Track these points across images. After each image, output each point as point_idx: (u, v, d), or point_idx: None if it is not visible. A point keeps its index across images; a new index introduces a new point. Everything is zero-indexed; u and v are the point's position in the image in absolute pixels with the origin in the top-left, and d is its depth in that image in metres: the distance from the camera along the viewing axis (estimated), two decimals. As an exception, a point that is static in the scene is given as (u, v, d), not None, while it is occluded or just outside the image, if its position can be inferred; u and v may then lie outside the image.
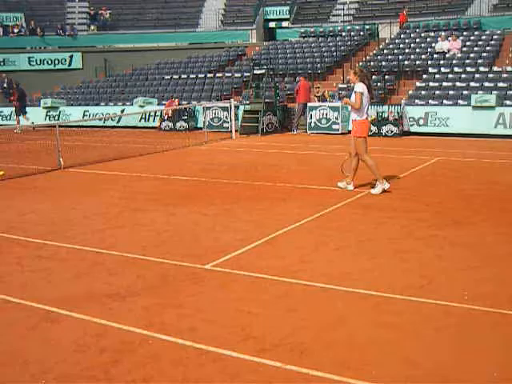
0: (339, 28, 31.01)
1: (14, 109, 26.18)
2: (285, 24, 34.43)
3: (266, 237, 7.82)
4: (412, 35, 27.87)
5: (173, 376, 4.35)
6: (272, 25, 34.91)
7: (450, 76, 22.33)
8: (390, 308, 5.51)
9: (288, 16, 34.36)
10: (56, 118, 26.73)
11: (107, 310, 5.58)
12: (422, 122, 20.06)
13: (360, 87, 10.38)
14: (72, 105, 28.11)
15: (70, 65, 33.11)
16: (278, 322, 5.22)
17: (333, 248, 7.43)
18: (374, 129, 19.84)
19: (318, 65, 26.44)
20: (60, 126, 15.73)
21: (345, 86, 23.51)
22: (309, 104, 21.24)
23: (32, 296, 5.94)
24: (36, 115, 26.57)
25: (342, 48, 27.92)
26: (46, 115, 27.35)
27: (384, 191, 10.34)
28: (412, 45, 26.60)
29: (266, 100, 21.87)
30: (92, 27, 35.03)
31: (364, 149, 10.45)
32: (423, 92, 21.57)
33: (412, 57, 24.99)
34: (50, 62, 33.02)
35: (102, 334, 5.10)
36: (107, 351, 4.75)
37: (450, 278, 6.20)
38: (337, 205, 9.58)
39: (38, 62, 32.96)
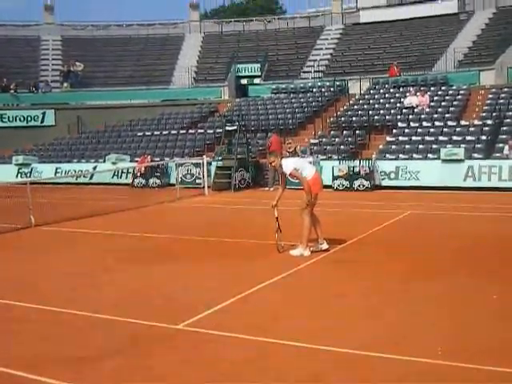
0: (310, 84, 31.51)
1: None
2: (256, 81, 34.92)
3: (239, 295, 7.75)
4: (381, 91, 28.43)
5: None
6: (244, 81, 35.38)
7: (419, 130, 22.75)
8: (365, 365, 5.47)
9: (259, 73, 34.89)
10: (28, 175, 26.57)
11: (76, 373, 5.45)
12: (392, 175, 20.31)
13: (288, 166, 10.28)
14: (44, 162, 27.97)
15: (42, 121, 33.05)
16: None
17: (305, 305, 7.39)
18: (345, 183, 20.05)
19: (290, 120, 26.76)
20: (31, 183, 15.64)
21: (316, 141, 23.79)
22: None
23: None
24: (8, 172, 26.42)
25: (313, 104, 28.35)
26: (18, 172, 27.21)
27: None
28: (381, 100, 27.13)
29: (239, 156, 22.01)
30: (65, 84, 35.13)
31: (308, 206, 10.17)
32: (393, 146, 21.91)
33: (382, 112, 25.46)
34: (22, 119, 32.96)
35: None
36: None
37: (423, 334, 6.19)
38: (310, 261, 9.57)
39: (11, 119, 32.90)
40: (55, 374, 5.41)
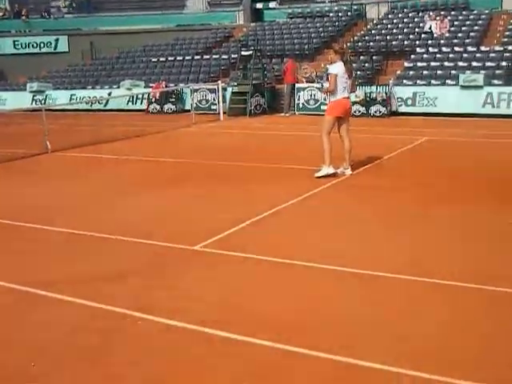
0: (326, 8, 30.83)
1: None
2: (272, 5, 34.17)
3: (255, 217, 7.79)
4: (399, 15, 27.75)
5: (162, 357, 4.33)
6: (259, 6, 34.64)
7: (438, 56, 22.27)
8: (380, 286, 5.52)
9: (276, -3, 34.15)
10: (42, 101, 26.49)
11: (97, 292, 5.55)
12: (410, 102, 20.04)
13: (334, 68, 10.03)
14: (58, 88, 27.83)
15: (55, 48, 32.76)
16: (270, 302, 5.22)
17: (321, 227, 7.43)
18: (362, 109, 19.84)
19: (306, 46, 26.30)
20: (46, 110, 15.61)
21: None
22: (297, 85, 21.16)
23: (20, 279, 5.89)
24: (22, 99, 26.36)
25: (330, 29, 27.78)
26: (33, 99, 27.12)
27: (328, 176, 9.93)
28: (400, 25, 26.50)
29: (254, 81, 21.76)
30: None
31: (326, 128, 10.12)
32: (411, 72, 21.52)
33: (400, 37, 24.91)
34: (35, 46, 32.65)
35: (93, 316, 5.08)
36: (97, 333, 4.73)
37: (439, 256, 6.22)
38: (325, 185, 9.55)
39: (24, 46, 32.60)
40: (77, 293, 5.49)
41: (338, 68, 10.06)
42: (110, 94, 25.06)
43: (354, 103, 20.05)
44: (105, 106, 24.88)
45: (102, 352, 4.44)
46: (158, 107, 23.67)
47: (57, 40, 32.73)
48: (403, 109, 20.06)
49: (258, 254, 6.35)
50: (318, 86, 11.13)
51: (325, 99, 20.28)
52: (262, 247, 6.61)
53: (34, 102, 26.80)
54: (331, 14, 29.66)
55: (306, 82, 21.22)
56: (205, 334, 4.63)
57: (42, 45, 32.70)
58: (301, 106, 21.15)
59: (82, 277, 5.94)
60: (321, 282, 5.65)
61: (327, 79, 10.30)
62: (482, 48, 22.14)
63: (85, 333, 4.75)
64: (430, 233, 7.09)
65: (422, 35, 24.50)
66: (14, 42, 32.53)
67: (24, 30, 33.55)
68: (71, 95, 26.44)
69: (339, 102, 10.12)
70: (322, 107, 20.49)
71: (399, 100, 20.13)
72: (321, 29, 27.88)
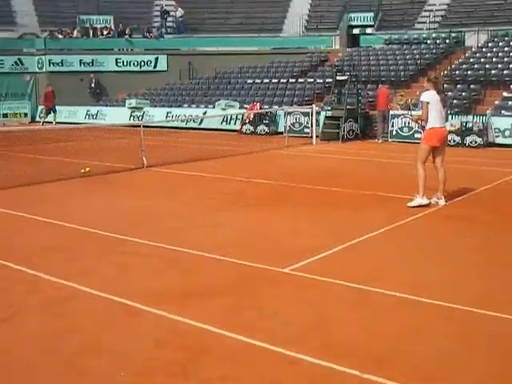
0: (424, 35, 30.50)
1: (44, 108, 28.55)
2: (369, 30, 34.07)
3: (345, 243, 7.78)
4: (500, 44, 27.14)
5: (249, 376, 4.38)
6: (356, 31, 34.60)
7: (540, 87, 21.67)
8: (465, 320, 5.40)
9: (372, 22, 34.00)
10: (140, 118, 27.36)
11: (185, 307, 5.67)
12: (508, 133, 19.50)
13: (426, 96, 9.96)
14: (156, 106, 28.76)
15: (155, 66, 33.79)
16: (355, 329, 5.19)
17: (412, 258, 7.33)
18: (457, 139, 19.47)
19: (402, 72, 26.10)
20: (144, 127, 16.12)
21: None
22: (391, 112, 21.01)
23: (113, 290, 6.09)
24: (121, 115, 27.38)
25: (427, 56, 27.47)
26: (131, 115, 28.08)
27: (421, 206, 9.76)
28: (499, 54, 25.89)
29: (348, 107, 21.75)
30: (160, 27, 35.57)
31: (421, 156, 9.99)
32: (510, 103, 20.97)
33: (499, 66, 24.35)
34: (136, 64, 33.75)
35: (181, 331, 5.19)
36: (185, 348, 4.83)
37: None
38: (417, 214, 9.41)
39: (125, 64, 33.74)
40: (166, 307, 5.62)
41: (430, 96, 9.97)
42: (205, 113, 25.65)
43: (450, 132, 19.72)
44: (199, 124, 25.44)
45: (190, 367, 4.52)
46: (251, 128, 23.99)
47: (156, 59, 33.74)
48: (500, 140, 19.54)
49: (347, 281, 6.32)
50: (408, 115, 11.05)
51: (418, 128, 20.14)
52: (351, 274, 6.58)
53: (131, 118, 27.73)
54: (429, 41, 29.32)
55: (401, 109, 21.18)
56: (289, 356, 4.65)
57: (142, 63, 33.79)
58: (394, 132, 20.95)
59: (170, 292, 6.08)
60: (409, 314, 5.57)
61: (421, 107, 10.25)
62: None
63: (172, 347, 4.85)
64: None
65: (523, 65, 23.89)
66: (117, 59, 33.74)
67: (126, 48, 34.75)
68: (167, 112, 27.19)
69: (435, 130, 9.99)
70: (416, 135, 20.25)
71: (496, 131, 19.63)
72: (417, 56, 27.60)
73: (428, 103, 9.90)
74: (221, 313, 5.55)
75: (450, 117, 20.18)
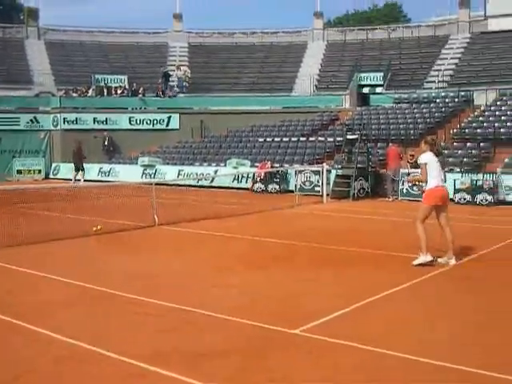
0: (433, 94, 30.91)
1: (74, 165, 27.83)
2: (378, 90, 34.62)
3: (355, 304, 7.77)
4: (509, 102, 27.44)
5: None
6: (366, 90, 35.16)
7: (549, 145, 21.81)
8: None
9: (382, 82, 34.57)
10: (152, 175, 27.66)
11: (196, 368, 5.67)
12: (518, 191, 19.60)
13: (424, 158, 10.16)
14: (168, 164, 29.10)
15: (167, 125, 34.30)
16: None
17: (423, 319, 7.32)
18: (467, 197, 19.54)
19: (412, 131, 26.35)
20: (156, 184, 16.30)
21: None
22: (401, 170, 21.16)
23: (121, 350, 6.10)
24: (134, 172, 27.71)
25: (436, 114, 27.82)
26: (143, 173, 28.40)
27: (426, 263, 9.82)
28: (508, 112, 26.19)
29: (358, 165, 21.94)
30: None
31: (421, 215, 10.14)
32: (520, 161, 21.12)
33: (508, 124, 24.62)
34: (149, 122, 34.29)
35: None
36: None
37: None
38: (428, 274, 9.42)
39: (138, 122, 34.28)
40: (175, 367, 5.63)
41: (428, 157, 10.18)
42: (216, 172, 25.91)
43: (459, 190, 19.83)
44: (211, 182, 25.65)
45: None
46: (262, 186, 24.18)
47: (169, 117, 34.28)
48: (511, 198, 19.58)
49: (357, 342, 6.31)
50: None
51: (417, 190, 20.25)
52: (362, 335, 6.57)
53: (144, 176, 28.03)
54: (438, 100, 29.73)
55: (411, 167, 21.30)
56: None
57: (155, 122, 34.32)
58: (404, 191, 21.06)
59: (179, 352, 6.08)
60: (418, 377, 5.55)
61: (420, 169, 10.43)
62: None
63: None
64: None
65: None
66: (130, 118, 34.31)
67: (140, 107, 35.35)
68: (179, 170, 27.49)
69: (434, 190, 10.14)
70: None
71: (507, 189, 19.69)
72: (427, 114, 27.96)
73: (426, 164, 10.10)
74: (229, 375, 5.54)
75: (460, 175, 20.33)
